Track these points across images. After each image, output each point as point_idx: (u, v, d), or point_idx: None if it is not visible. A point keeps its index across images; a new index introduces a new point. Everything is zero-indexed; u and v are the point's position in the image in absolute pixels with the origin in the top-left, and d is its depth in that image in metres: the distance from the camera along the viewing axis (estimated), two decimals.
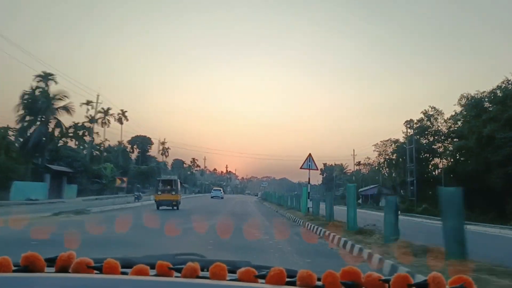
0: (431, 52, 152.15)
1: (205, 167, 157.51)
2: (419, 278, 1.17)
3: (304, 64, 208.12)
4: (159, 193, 23.20)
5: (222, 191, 58.61)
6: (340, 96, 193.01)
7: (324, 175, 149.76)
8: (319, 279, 1.08)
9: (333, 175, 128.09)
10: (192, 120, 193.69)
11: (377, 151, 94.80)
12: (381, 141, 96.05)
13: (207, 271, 1.10)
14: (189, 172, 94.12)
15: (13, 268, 1.07)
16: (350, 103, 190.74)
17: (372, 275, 1.06)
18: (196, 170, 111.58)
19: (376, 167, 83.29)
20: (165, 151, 76.11)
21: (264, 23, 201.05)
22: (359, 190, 68.58)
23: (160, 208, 22.31)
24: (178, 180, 25.08)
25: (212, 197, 51.38)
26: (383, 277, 1.05)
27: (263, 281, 1.08)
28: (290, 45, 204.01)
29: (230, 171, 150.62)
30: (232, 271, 1.13)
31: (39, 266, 1.08)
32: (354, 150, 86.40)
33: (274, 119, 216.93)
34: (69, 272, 1.09)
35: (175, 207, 22.72)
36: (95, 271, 1.10)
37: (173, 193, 23.23)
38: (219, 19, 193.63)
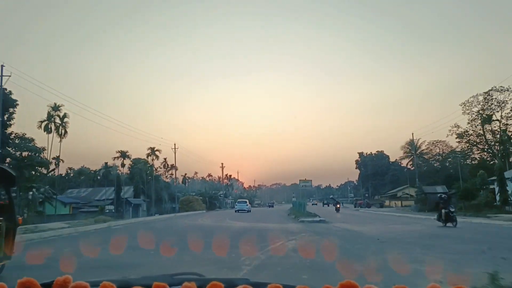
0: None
1: (196, 175, 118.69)
2: None
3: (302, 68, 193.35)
4: None
5: (248, 203, 50.96)
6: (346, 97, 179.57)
7: (361, 169, 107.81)
8: None
9: (389, 163, 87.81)
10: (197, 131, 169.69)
11: (465, 111, 53.85)
12: (472, 97, 55.41)
13: None
14: (147, 175, 53.82)
15: None
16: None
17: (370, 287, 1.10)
18: (173, 176, 71.59)
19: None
20: (51, 121, 36.06)
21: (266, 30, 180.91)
22: None
23: None
24: None
25: (236, 211, 46.15)
26: None
27: None
28: (294, 51, 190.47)
29: (230, 176, 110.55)
30: None
31: None
32: None
33: (276, 125, 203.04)
34: None
35: None
36: None
37: None
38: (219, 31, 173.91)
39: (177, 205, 59.68)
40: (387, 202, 65.81)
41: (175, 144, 59.51)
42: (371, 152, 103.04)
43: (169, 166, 67.13)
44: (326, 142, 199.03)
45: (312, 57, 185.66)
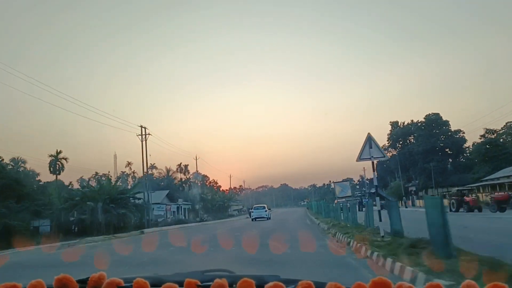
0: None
1: (130, 165, 79.29)
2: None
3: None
4: None
5: (266, 209, 41.27)
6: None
7: (400, 147, 72.16)
8: None
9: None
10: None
11: None
12: None
13: (236, 287, 1.12)
14: None
15: None
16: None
17: (403, 285, 1.04)
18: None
19: None
20: None
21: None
22: None
23: None
24: None
25: (254, 219, 38.28)
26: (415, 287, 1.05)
27: None
28: (282, 56, 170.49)
29: (187, 166, 76.59)
30: (261, 286, 1.13)
31: None
32: None
33: (264, 127, 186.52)
34: None
35: None
36: None
37: None
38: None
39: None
40: None
41: None
42: (412, 120, 67.46)
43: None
44: (319, 142, 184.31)
45: (301, 61, 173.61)
